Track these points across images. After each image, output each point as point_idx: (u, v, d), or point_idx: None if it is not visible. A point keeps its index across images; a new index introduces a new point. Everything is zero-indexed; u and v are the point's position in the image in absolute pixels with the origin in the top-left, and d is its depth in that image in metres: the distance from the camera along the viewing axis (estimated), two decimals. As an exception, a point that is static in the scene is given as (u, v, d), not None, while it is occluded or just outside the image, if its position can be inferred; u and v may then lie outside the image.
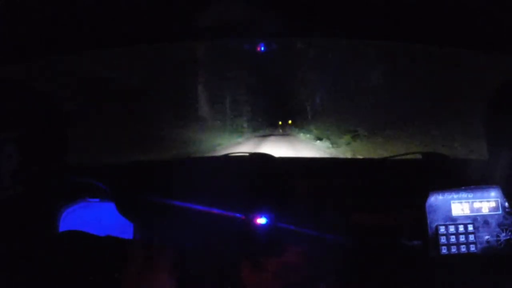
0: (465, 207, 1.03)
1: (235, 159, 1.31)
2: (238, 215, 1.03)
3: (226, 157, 1.30)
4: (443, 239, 1.00)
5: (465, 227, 1.01)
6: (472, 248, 1.00)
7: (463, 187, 1.03)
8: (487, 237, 1.01)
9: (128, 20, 0.94)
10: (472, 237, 1.00)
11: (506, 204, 1.02)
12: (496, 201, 1.03)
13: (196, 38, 1.16)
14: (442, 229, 1.00)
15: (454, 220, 1.01)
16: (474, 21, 0.91)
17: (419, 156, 1.26)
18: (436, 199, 1.02)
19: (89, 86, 6.28)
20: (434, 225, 1.01)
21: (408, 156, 1.27)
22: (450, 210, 1.02)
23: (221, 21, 0.95)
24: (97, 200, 1.10)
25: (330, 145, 9.56)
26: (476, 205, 1.03)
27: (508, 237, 1.01)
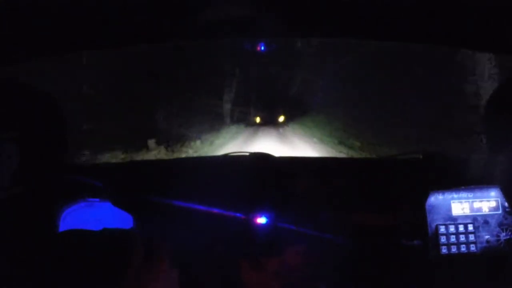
0: (465, 207, 1.03)
1: (235, 159, 1.31)
2: (238, 215, 1.03)
3: (226, 157, 1.30)
4: (443, 239, 1.00)
5: (465, 227, 1.01)
6: (472, 248, 1.00)
7: (463, 187, 1.03)
8: (487, 236, 1.01)
9: (128, 20, 0.94)
10: (472, 237, 1.01)
11: (506, 204, 1.02)
12: (496, 201, 1.03)
13: (195, 37, 1.15)
14: (442, 229, 1.00)
15: (454, 220, 1.01)
16: (474, 21, 0.91)
17: (419, 156, 1.26)
18: (436, 199, 1.02)
19: (88, 86, 6.29)
20: (434, 225, 1.01)
21: (408, 156, 1.27)
22: (450, 209, 1.02)
23: (221, 21, 0.95)
24: (97, 200, 1.10)
25: (327, 143, 9.57)
26: (476, 204, 1.03)
27: (508, 237, 1.01)
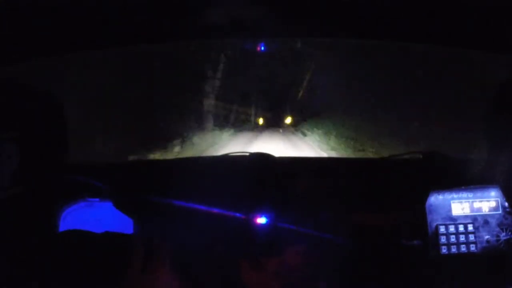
0: (465, 207, 1.03)
1: (235, 159, 1.31)
2: (238, 214, 1.03)
3: (226, 156, 1.30)
4: (443, 239, 1.00)
5: (465, 227, 1.01)
6: (472, 248, 1.00)
7: (463, 187, 1.03)
8: (487, 236, 1.01)
9: (128, 20, 0.94)
10: (472, 237, 1.00)
11: (506, 204, 1.02)
12: (496, 201, 1.03)
13: (195, 37, 1.16)
14: (442, 229, 1.00)
15: (454, 220, 1.01)
16: (474, 21, 0.91)
17: (419, 156, 1.26)
18: (436, 199, 1.02)
19: (88, 86, 6.28)
20: (434, 225, 1.01)
21: (408, 156, 1.27)
22: (450, 209, 1.02)
23: (221, 21, 0.95)
24: (97, 199, 1.10)
25: (327, 143, 9.57)
26: (476, 204, 1.03)
27: (508, 237, 1.01)
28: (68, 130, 0.89)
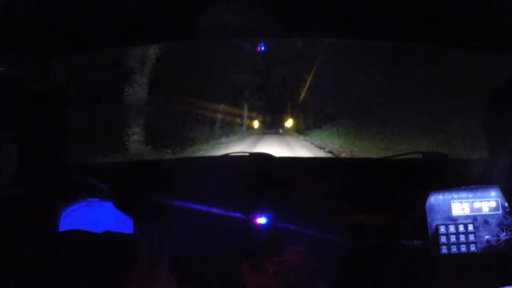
0: (465, 207, 1.03)
1: (235, 159, 1.31)
2: (238, 215, 1.03)
3: (226, 157, 1.30)
4: (443, 239, 1.00)
5: (465, 227, 1.01)
6: (472, 247, 1.00)
7: (463, 187, 1.03)
8: (487, 236, 1.01)
9: (129, 20, 0.94)
10: (472, 237, 1.00)
11: (506, 204, 1.02)
12: (496, 201, 1.03)
13: (195, 37, 1.16)
14: (442, 229, 1.00)
15: (454, 220, 1.01)
16: (474, 21, 0.91)
17: (419, 156, 1.26)
18: (436, 199, 1.02)
19: (89, 86, 6.29)
20: (434, 225, 1.01)
21: (408, 156, 1.27)
22: (450, 209, 1.02)
23: (221, 21, 0.95)
24: (97, 199, 1.10)
25: (327, 145, 9.57)
26: (476, 204, 1.03)
27: (508, 237, 1.01)
28: (68, 130, 0.89)
